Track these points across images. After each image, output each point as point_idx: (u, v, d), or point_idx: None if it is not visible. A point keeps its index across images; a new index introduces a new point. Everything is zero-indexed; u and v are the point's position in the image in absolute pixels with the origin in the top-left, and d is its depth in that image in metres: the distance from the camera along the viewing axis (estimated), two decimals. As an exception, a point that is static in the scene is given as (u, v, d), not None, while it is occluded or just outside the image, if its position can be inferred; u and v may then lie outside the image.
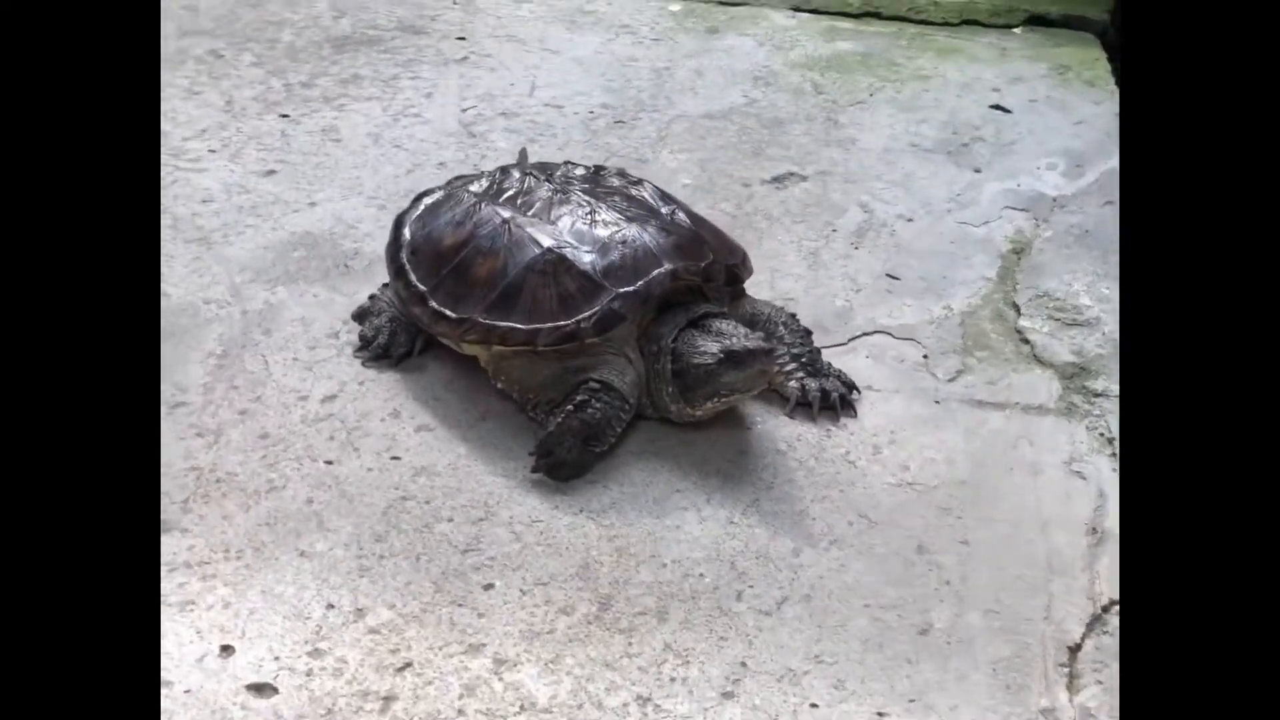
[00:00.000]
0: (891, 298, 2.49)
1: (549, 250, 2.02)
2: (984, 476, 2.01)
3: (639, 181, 2.26)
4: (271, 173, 2.80)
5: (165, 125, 2.97)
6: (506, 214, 2.10)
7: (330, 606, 1.69)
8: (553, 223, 2.08)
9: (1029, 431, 2.12)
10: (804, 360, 2.13)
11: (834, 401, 2.10)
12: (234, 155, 2.87)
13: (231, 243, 2.52)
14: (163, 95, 3.11)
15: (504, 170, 2.30)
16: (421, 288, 2.10)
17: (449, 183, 2.37)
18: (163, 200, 2.66)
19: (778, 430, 2.08)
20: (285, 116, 3.06)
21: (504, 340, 1.99)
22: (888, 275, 2.56)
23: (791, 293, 2.47)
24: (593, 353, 2.00)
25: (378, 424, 2.04)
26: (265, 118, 3.05)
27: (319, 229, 2.60)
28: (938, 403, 2.18)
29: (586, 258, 2.01)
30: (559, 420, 1.93)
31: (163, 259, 2.45)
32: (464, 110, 3.16)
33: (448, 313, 2.05)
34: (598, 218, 2.08)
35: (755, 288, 2.42)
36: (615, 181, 2.26)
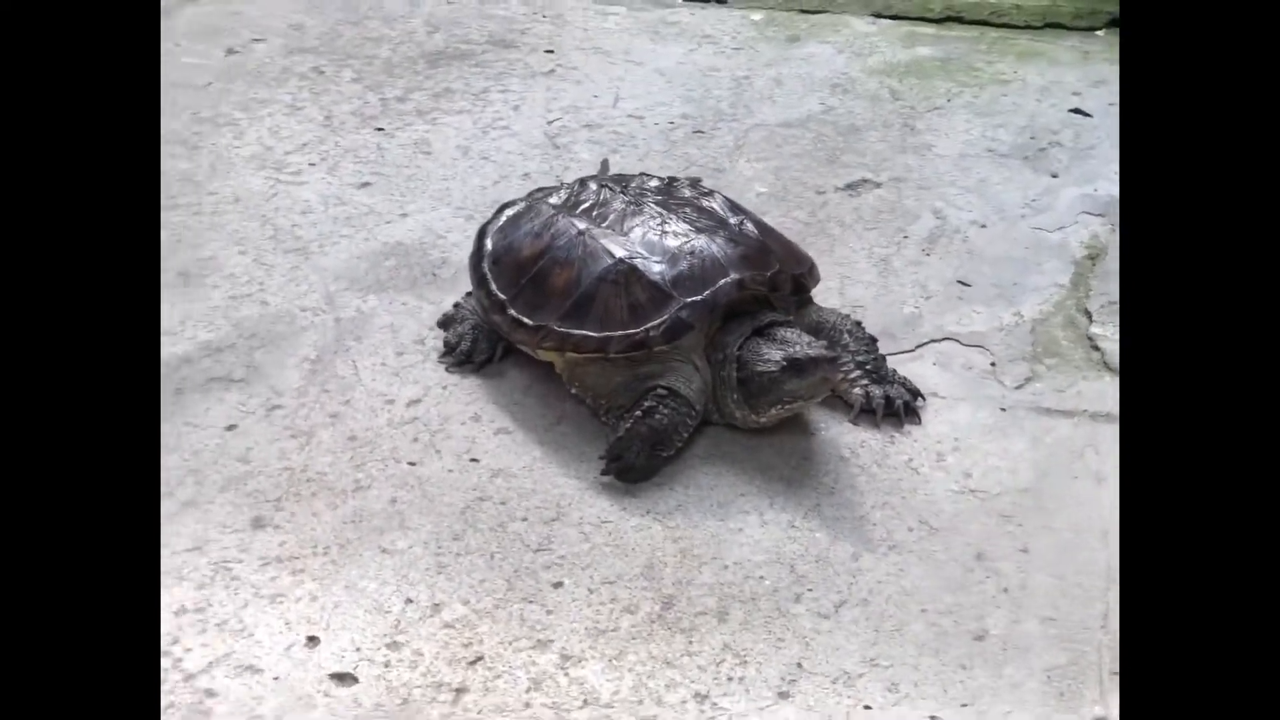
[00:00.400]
0: (962, 305, 2.47)
1: (621, 261, 2.05)
2: (1047, 485, 1.99)
3: (710, 193, 2.29)
4: (366, 185, 2.89)
5: (269, 140, 3.09)
6: (582, 225, 2.15)
7: (409, 601, 1.75)
8: (625, 234, 2.11)
9: (1095, 440, 2.09)
10: (868, 367, 2.13)
11: (898, 408, 2.10)
12: (332, 168, 2.96)
13: (327, 253, 2.61)
14: (267, 111, 3.23)
15: (582, 182, 2.34)
16: (502, 296, 2.16)
17: (530, 194, 2.42)
18: (264, 212, 2.76)
19: (841, 437, 2.09)
20: (380, 130, 3.15)
21: (577, 348, 2.03)
22: (959, 282, 2.54)
23: (861, 300, 2.47)
24: (661, 360, 2.03)
25: (459, 427, 2.10)
26: (362, 131, 3.14)
27: (409, 239, 2.67)
28: (1004, 410, 2.16)
29: (656, 268, 2.04)
30: (628, 426, 1.97)
31: (263, 269, 2.55)
32: (550, 122, 3.22)
33: (525, 320, 2.10)
34: (668, 229, 2.11)
35: (825, 295, 2.43)
36: (687, 193, 2.28)
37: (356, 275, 2.53)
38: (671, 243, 2.08)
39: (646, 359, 2.03)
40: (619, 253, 2.07)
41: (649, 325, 2.00)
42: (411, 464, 2.01)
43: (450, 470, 2.00)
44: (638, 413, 1.97)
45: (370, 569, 1.80)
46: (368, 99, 3.32)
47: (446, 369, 2.24)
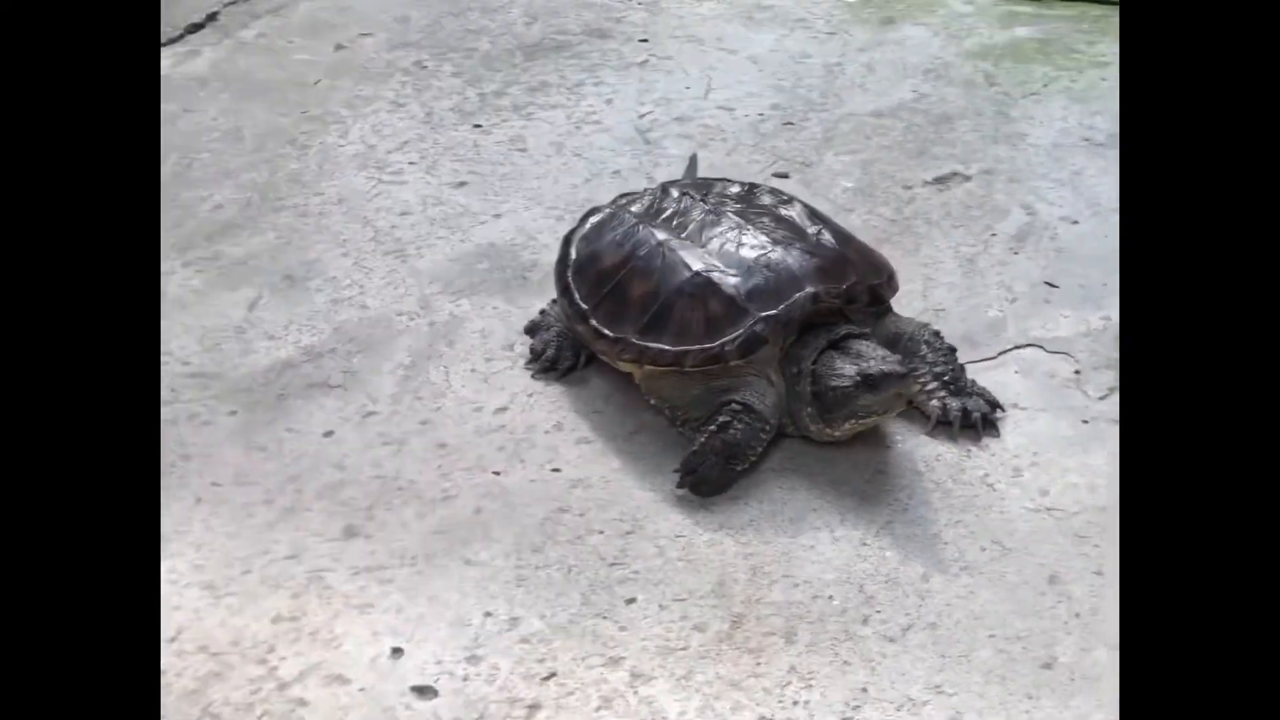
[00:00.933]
0: (1048, 308, 2.37)
1: (698, 274, 2.02)
2: (1126, 502, 1.91)
3: (789, 200, 2.23)
4: (463, 184, 2.90)
5: (372, 138, 3.12)
6: (661, 236, 2.12)
7: (488, 614, 1.77)
8: (703, 245, 2.08)
9: (1180, 454, 1.99)
10: (946, 379, 2.06)
11: (975, 421, 2.04)
12: (430, 167, 2.98)
13: (423, 255, 2.64)
14: (371, 109, 3.26)
15: (664, 189, 2.31)
16: (584, 306, 2.15)
17: (615, 200, 2.40)
18: (366, 213, 2.80)
19: (917, 450, 2.03)
20: (478, 127, 3.15)
21: (654, 361, 2.01)
22: (1046, 283, 2.44)
23: (944, 303, 2.39)
24: (736, 374, 2.00)
25: (542, 436, 2.11)
26: (460, 129, 3.15)
27: (502, 240, 2.68)
28: (1086, 422, 2.08)
29: (732, 281, 2.01)
30: (702, 440, 1.95)
31: (363, 272, 2.58)
32: (641, 116, 3.18)
33: (606, 332, 2.09)
34: (745, 240, 2.06)
35: (907, 298, 2.36)
36: (766, 200, 2.23)
37: (450, 278, 2.55)
38: (748, 254, 2.04)
39: (722, 373, 2.00)
40: (696, 265, 2.04)
41: (724, 340, 1.97)
42: (496, 473, 2.03)
43: (532, 480, 2.01)
44: (712, 427, 1.95)
45: (453, 580, 1.83)
46: (466, 94, 3.32)
47: (532, 376, 2.24)
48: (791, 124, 3.10)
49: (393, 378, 2.26)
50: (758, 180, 2.83)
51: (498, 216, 2.77)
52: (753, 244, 2.06)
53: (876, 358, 1.93)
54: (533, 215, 2.76)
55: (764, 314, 1.97)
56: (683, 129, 3.11)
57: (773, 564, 1.84)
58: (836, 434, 1.98)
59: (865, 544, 1.86)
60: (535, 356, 2.26)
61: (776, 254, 2.03)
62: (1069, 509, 1.91)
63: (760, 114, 3.16)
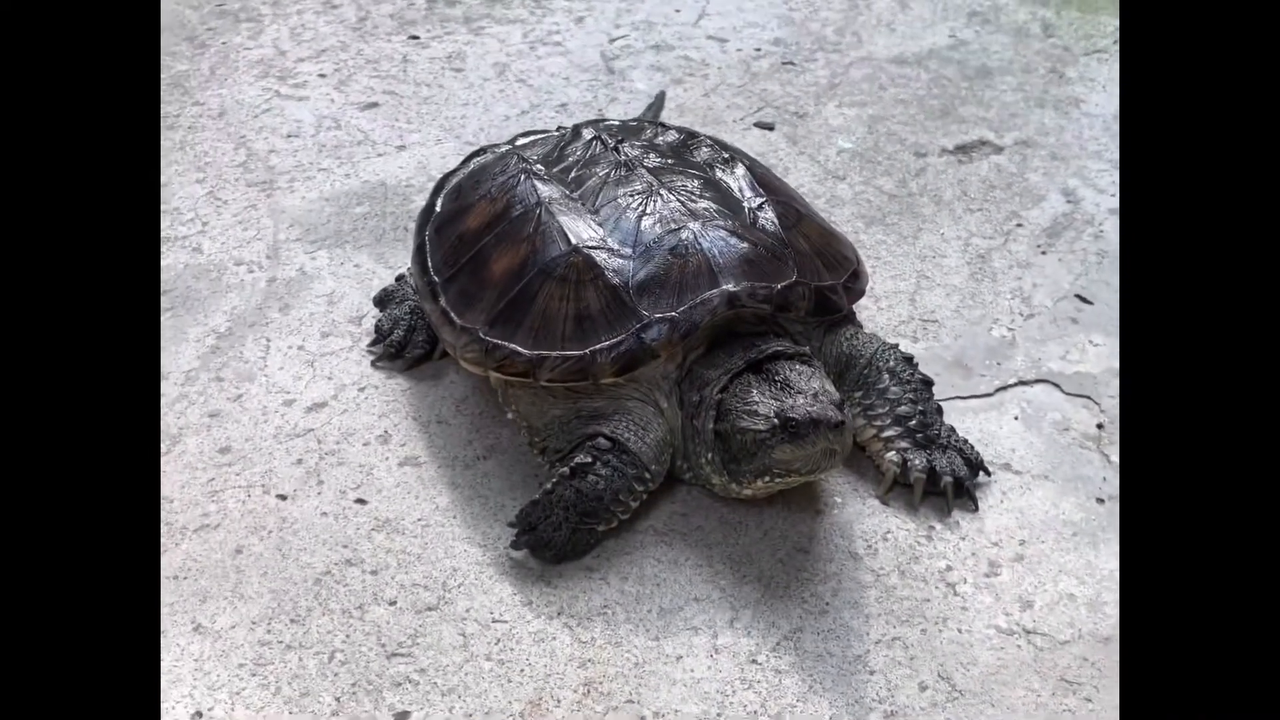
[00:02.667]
0: (1074, 330, 1.74)
1: (574, 250, 1.43)
2: (1144, 637, 1.30)
3: (731, 159, 1.62)
4: (373, 105, 2.33)
5: (286, 43, 2.55)
6: (545, 193, 1.53)
7: (198, 715, 1.23)
8: (595, 211, 1.48)
9: (1232, 566, 1.37)
10: (913, 424, 1.45)
11: (945, 486, 1.43)
12: (342, 82, 2.41)
13: (294, 190, 2.07)
14: (298, 8, 2.70)
15: (576, 130, 1.71)
16: (435, 279, 1.57)
17: (513, 139, 1.81)
18: (245, 132, 2.24)
19: (860, 521, 1.43)
20: (414, 39, 2.57)
21: (501, 366, 1.43)
22: (1077, 296, 1.81)
23: (937, 312, 1.77)
24: (611, 395, 1.41)
25: (358, 449, 1.54)
26: (393, 39, 2.57)
27: (395, 178, 2.10)
28: (1101, 502, 1.46)
29: (618, 264, 1.41)
30: (549, 486, 1.37)
31: (214, 205, 2.03)
32: (612, 40, 2.57)
33: (454, 318, 1.51)
34: (651, 209, 1.46)
35: (891, 300, 1.75)
36: (703, 155, 1.62)
37: (316, 222, 1.99)
38: (651, 229, 1.44)
39: (592, 392, 1.41)
40: (575, 238, 1.44)
41: (597, 347, 1.38)
42: (281, 497, 1.47)
43: (325, 513, 1.45)
44: (564, 470, 1.37)
45: (168, 656, 1.28)
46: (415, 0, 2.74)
47: (372, 363, 1.68)
48: (792, 64, 2.47)
49: (196, 348, 1.71)
50: (735, 131, 2.23)
51: (400, 148, 2.19)
52: (661, 215, 1.46)
53: (808, 393, 1.32)
54: (443, 150, 2.18)
55: (656, 316, 1.38)
56: (658, 59, 2.49)
57: (617, 680, 1.26)
58: (745, 492, 1.39)
59: (756, 661, 1.28)
60: (380, 336, 1.69)
61: (688, 233, 1.43)
62: (1058, 634, 1.30)
63: (757, 49, 2.53)
